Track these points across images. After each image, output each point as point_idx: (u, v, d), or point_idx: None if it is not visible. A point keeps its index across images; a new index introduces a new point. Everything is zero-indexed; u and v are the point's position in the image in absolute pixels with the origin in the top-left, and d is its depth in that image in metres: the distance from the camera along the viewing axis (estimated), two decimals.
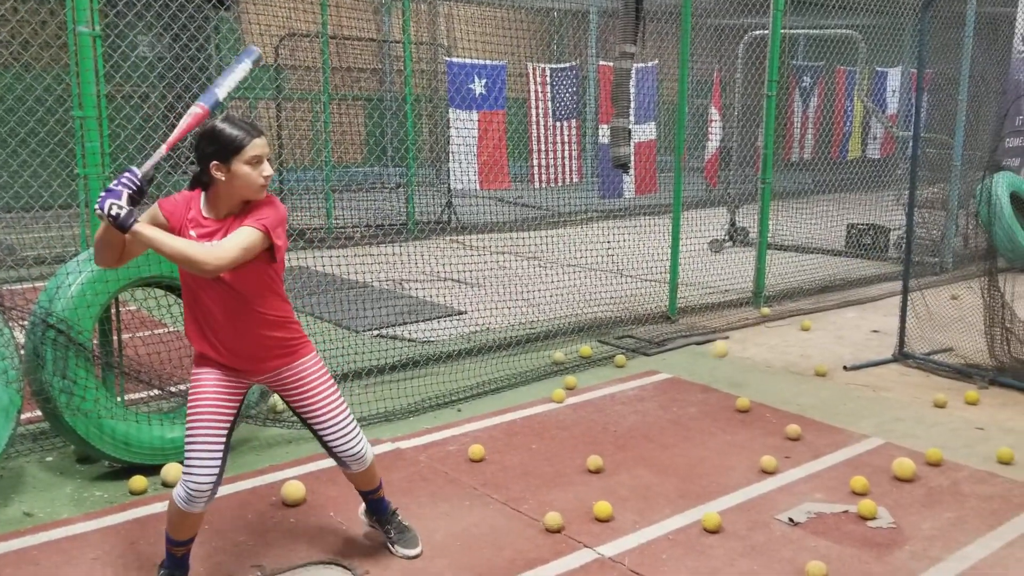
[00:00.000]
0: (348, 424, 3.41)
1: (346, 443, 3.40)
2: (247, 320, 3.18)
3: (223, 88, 3.23)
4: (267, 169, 3.08)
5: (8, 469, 4.44)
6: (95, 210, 2.87)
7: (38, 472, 4.45)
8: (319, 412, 3.36)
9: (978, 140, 10.12)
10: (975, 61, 9.49)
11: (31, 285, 5.31)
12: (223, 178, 3.03)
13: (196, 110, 3.11)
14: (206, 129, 3.04)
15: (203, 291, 3.14)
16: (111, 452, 4.30)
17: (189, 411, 3.20)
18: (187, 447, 3.18)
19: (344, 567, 3.59)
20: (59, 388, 4.15)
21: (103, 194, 2.87)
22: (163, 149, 3.05)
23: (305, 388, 3.34)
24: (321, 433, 3.39)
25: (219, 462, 3.18)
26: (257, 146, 3.03)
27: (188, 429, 3.18)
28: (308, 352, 3.37)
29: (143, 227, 2.88)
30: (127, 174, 2.92)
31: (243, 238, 3.00)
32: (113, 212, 2.83)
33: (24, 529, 3.86)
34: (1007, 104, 9.69)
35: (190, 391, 3.23)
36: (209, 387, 3.21)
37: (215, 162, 3.01)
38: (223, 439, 3.21)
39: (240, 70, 3.29)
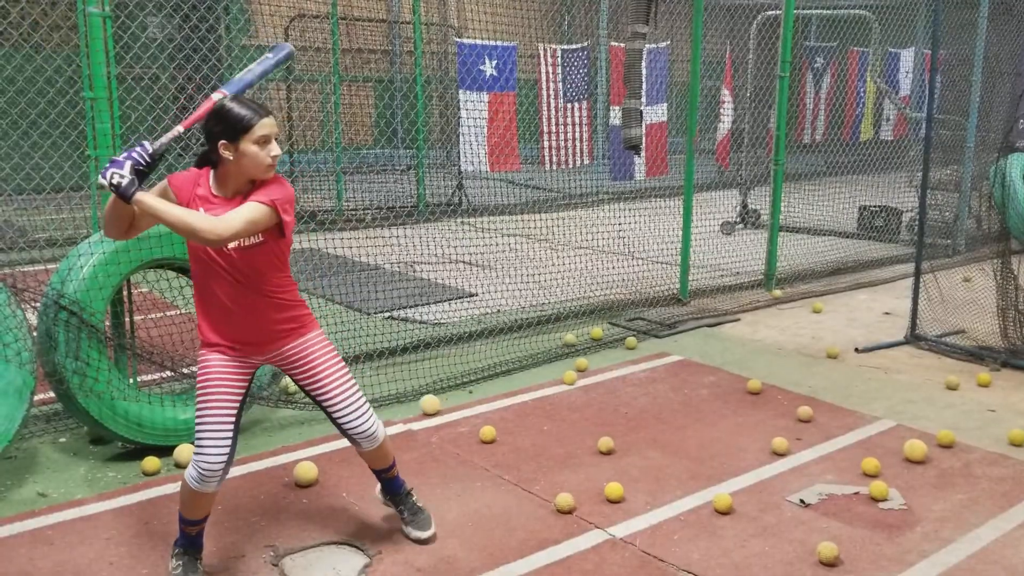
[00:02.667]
0: (357, 401, 3.40)
1: (356, 420, 3.40)
2: (254, 298, 3.19)
3: (250, 77, 3.25)
4: (275, 149, 3.08)
5: (22, 450, 4.47)
6: (98, 179, 2.90)
7: (52, 453, 4.48)
8: (327, 389, 3.36)
9: (992, 121, 10.04)
10: (989, 41, 9.40)
11: (43, 267, 5.33)
12: (231, 157, 3.03)
13: (217, 95, 3.12)
14: (214, 108, 3.05)
15: (212, 269, 3.15)
16: (124, 433, 4.32)
17: (198, 393, 3.22)
18: (197, 428, 3.19)
19: (356, 548, 3.60)
20: (72, 369, 4.16)
21: (108, 164, 2.90)
22: (180, 127, 3.06)
23: (312, 365, 3.35)
24: (331, 410, 3.39)
25: (229, 442, 3.20)
26: (265, 126, 3.03)
27: (198, 410, 3.20)
28: (313, 330, 3.38)
29: (145, 196, 2.90)
30: (137, 147, 2.95)
31: (248, 211, 3.00)
32: (115, 181, 2.86)
33: (38, 509, 3.89)
34: (1022, 85, 9.60)
35: (198, 373, 3.24)
36: (217, 368, 3.23)
37: (223, 141, 3.02)
38: (232, 419, 3.22)
39: (269, 63, 3.32)
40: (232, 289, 3.17)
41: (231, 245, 3.08)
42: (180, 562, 3.32)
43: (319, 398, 3.38)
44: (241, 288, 3.17)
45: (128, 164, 2.89)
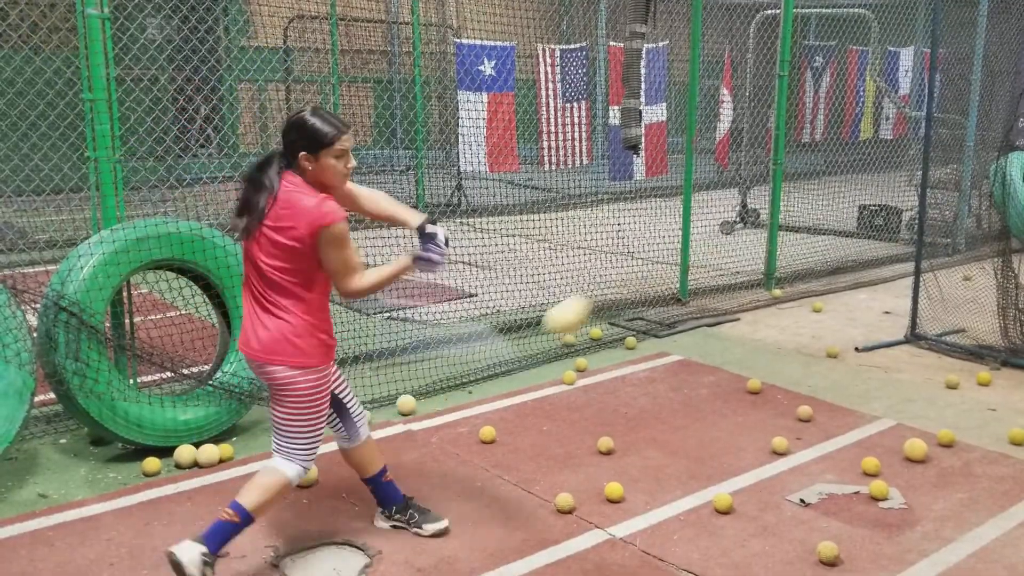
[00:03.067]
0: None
1: (359, 406, 3.63)
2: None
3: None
4: (352, 161, 3.25)
5: (23, 451, 4.47)
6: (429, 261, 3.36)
7: (52, 454, 4.48)
8: (342, 380, 3.57)
9: (992, 120, 10.04)
10: (989, 40, 9.40)
11: (43, 268, 5.34)
12: (310, 168, 3.18)
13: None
14: (296, 120, 3.18)
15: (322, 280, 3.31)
16: (124, 434, 4.32)
17: (314, 402, 3.28)
18: (310, 432, 3.30)
19: (357, 548, 3.61)
20: (72, 370, 4.17)
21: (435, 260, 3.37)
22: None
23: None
24: (345, 399, 3.55)
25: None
26: (345, 140, 3.19)
27: (314, 416, 3.30)
28: None
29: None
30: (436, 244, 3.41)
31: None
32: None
33: (39, 510, 3.89)
34: (1021, 83, 9.60)
35: (316, 384, 3.27)
36: (330, 376, 3.38)
37: (304, 153, 3.15)
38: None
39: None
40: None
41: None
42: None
43: (337, 390, 3.53)
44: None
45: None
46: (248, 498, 3.22)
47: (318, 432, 3.34)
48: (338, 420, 3.57)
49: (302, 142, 3.15)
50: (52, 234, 8.01)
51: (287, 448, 3.30)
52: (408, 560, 3.50)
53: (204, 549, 3.13)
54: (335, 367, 3.49)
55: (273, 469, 3.28)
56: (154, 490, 4.09)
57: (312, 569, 3.45)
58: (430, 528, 3.68)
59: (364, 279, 3.25)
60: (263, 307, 3.22)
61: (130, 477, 4.23)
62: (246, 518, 3.22)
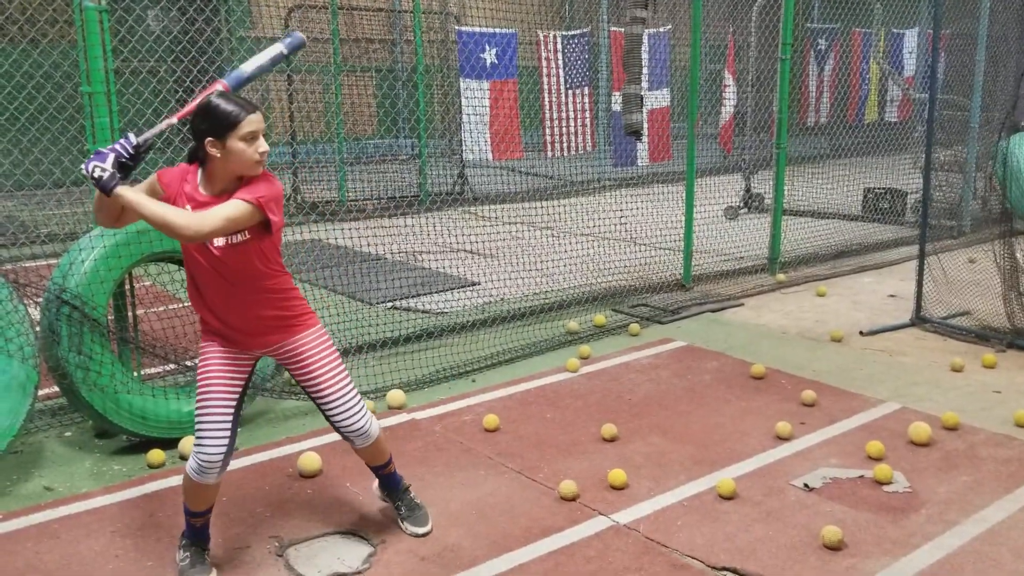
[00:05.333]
0: (350, 399, 3.38)
1: (348, 418, 3.38)
2: (242, 295, 3.19)
3: (252, 69, 3.24)
4: (263, 145, 3.05)
5: (28, 444, 4.49)
6: (81, 169, 2.91)
7: (57, 447, 4.50)
8: (321, 386, 3.34)
9: (996, 101, 9.97)
10: (993, 20, 9.33)
11: (45, 262, 5.34)
12: (218, 154, 3.01)
13: (217, 87, 3.11)
14: (200, 105, 3.02)
15: (198, 264, 3.14)
16: (128, 426, 4.33)
17: (198, 384, 3.23)
18: (196, 419, 3.21)
19: (361, 537, 3.61)
20: (75, 364, 4.17)
21: (91, 156, 2.90)
22: (173, 119, 3.06)
23: (307, 362, 3.33)
24: (323, 407, 3.38)
25: (228, 433, 3.21)
26: (252, 122, 3.00)
27: (197, 401, 3.22)
28: (310, 327, 3.35)
29: (126, 190, 2.89)
30: (121, 140, 2.95)
31: (229, 209, 2.98)
32: (96, 174, 2.85)
33: (44, 503, 3.91)
34: None
35: (198, 364, 3.26)
36: (215, 360, 3.24)
37: (210, 138, 2.99)
38: (231, 411, 3.23)
39: (272, 52, 3.29)
40: (219, 285, 3.16)
41: (217, 242, 3.07)
42: (187, 554, 3.34)
43: (313, 394, 3.38)
44: (228, 284, 3.16)
45: (111, 157, 2.89)
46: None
47: (208, 417, 3.19)
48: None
49: (205, 126, 2.98)
50: (53, 228, 8.02)
51: None
52: (412, 549, 3.51)
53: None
54: (312, 372, 3.35)
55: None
56: (159, 482, 4.10)
57: (316, 559, 3.46)
58: (411, 529, 3.62)
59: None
60: None
61: (135, 469, 4.25)
62: (184, 509, 3.34)
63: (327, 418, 3.41)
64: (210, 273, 3.14)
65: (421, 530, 3.62)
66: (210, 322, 3.25)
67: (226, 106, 2.98)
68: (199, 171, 3.12)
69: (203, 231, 2.92)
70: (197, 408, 3.21)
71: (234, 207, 2.98)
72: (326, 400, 3.36)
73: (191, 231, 2.89)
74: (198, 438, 3.19)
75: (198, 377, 3.24)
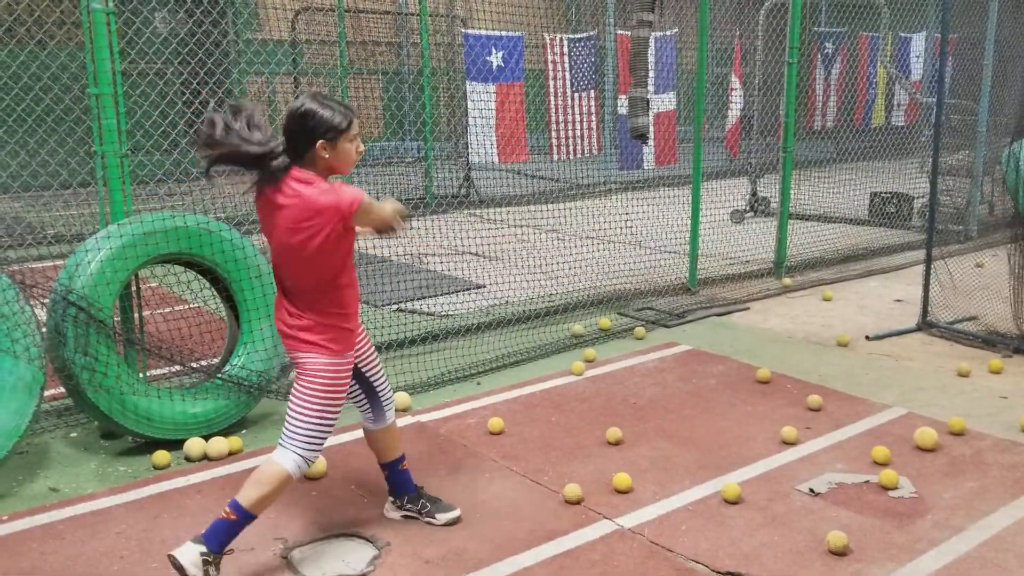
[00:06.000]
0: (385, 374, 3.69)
1: (390, 390, 3.67)
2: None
3: None
4: (361, 145, 3.30)
5: (33, 445, 4.50)
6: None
7: (63, 448, 4.51)
8: (377, 363, 3.60)
9: (1004, 105, 9.94)
10: (1001, 24, 9.31)
11: (52, 263, 5.35)
12: (327, 155, 3.19)
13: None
14: (308, 110, 3.17)
15: (349, 265, 3.31)
16: (134, 428, 4.34)
17: (329, 393, 3.27)
18: (318, 423, 3.27)
19: (365, 539, 3.61)
20: (81, 365, 4.18)
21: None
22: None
23: (365, 336, 3.58)
24: (376, 381, 3.59)
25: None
26: (356, 125, 3.25)
27: (325, 408, 3.28)
28: None
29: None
30: None
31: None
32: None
33: (50, 504, 3.91)
34: None
35: (331, 375, 3.27)
36: (345, 378, 3.35)
37: (322, 141, 3.16)
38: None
39: None
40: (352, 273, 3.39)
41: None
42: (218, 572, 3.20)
43: (368, 371, 3.57)
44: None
45: None
46: (246, 495, 3.21)
47: (331, 422, 3.33)
48: (366, 401, 3.61)
49: (321, 130, 3.16)
50: (60, 229, 8.04)
51: (291, 434, 3.28)
52: (416, 551, 3.51)
53: (204, 549, 3.14)
54: (370, 352, 3.58)
55: (271, 462, 3.27)
56: (164, 483, 4.10)
57: (321, 561, 3.46)
58: (443, 517, 3.69)
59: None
60: None
61: (140, 470, 4.25)
62: (244, 516, 3.22)
63: (377, 391, 3.60)
64: (352, 268, 3.36)
65: (454, 513, 3.72)
66: (355, 312, 3.37)
67: (336, 111, 3.19)
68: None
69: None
70: (323, 414, 3.28)
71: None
72: (380, 369, 3.62)
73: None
74: (315, 440, 3.28)
75: (331, 387, 3.28)
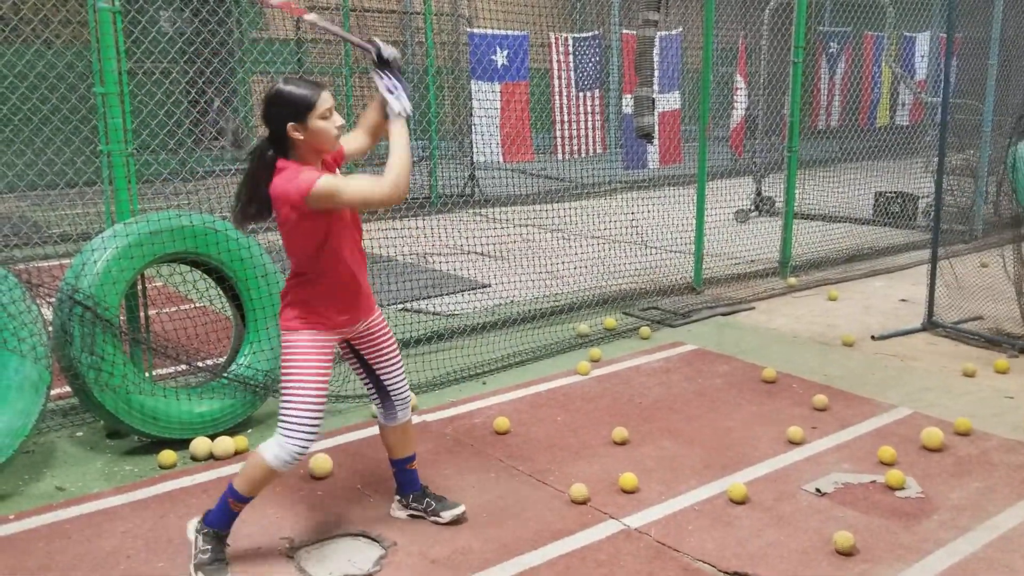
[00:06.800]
0: (403, 369, 3.64)
1: (406, 388, 3.64)
2: (363, 262, 3.39)
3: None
4: (338, 119, 3.19)
5: (39, 444, 4.50)
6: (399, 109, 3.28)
7: (69, 447, 4.51)
8: (395, 356, 3.56)
9: (1008, 105, 9.92)
10: (1006, 24, 9.29)
11: (58, 262, 5.36)
12: (301, 136, 3.12)
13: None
14: (272, 94, 3.13)
15: (344, 236, 3.25)
16: (140, 427, 4.34)
17: (299, 377, 3.23)
18: (297, 412, 3.22)
19: (372, 539, 3.61)
20: (87, 364, 4.19)
21: (393, 85, 3.29)
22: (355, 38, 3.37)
23: (383, 333, 3.52)
24: (390, 377, 3.56)
25: (321, 423, 3.33)
26: (326, 99, 3.14)
27: (298, 393, 3.23)
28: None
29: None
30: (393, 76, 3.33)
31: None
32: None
33: (56, 503, 3.92)
34: None
35: (299, 356, 3.24)
36: (322, 353, 3.28)
37: (291, 123, 3.09)
38: (325, 400, 3.37)
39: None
40: (357, 255, 3.33)
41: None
42: (209, 547, 3.29)
43: (383, 364, 3.54)
44: (360, 253, 3.36)
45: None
46: (237, 481, 3.30)
47: (313, 410, 3.25)
48: (378, 397, 3.63)
49: (286, 112, 3.09)
50: (66, 228, 8.05)
51: (279, 417, 3.27)
52: (423, 551, 3.51)
53: (198, 522, 3.34)
54: (383, 350, 3.53)
55: (254, 454, 3.29)
56: (170, 482, 4.11)
57: (327, 560, 3.46)
58: (448, 515, 3.69)
59: (386, 180, 3.17)
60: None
61: (146, 470, 4.26)
62: (237, 496, 3.29)
63: (388, 390, 3.58)
64: (354, 245, 3.31)
65: (459, 509, 3.71)
66: (345, 306, 3.30)
67: (299, 90, 3.11)
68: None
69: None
70: (298, 401, 3.22)
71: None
72: (395, 370, 3.57)
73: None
74: (296, 430, 3.23)
75: (300, 370, 3.23)
